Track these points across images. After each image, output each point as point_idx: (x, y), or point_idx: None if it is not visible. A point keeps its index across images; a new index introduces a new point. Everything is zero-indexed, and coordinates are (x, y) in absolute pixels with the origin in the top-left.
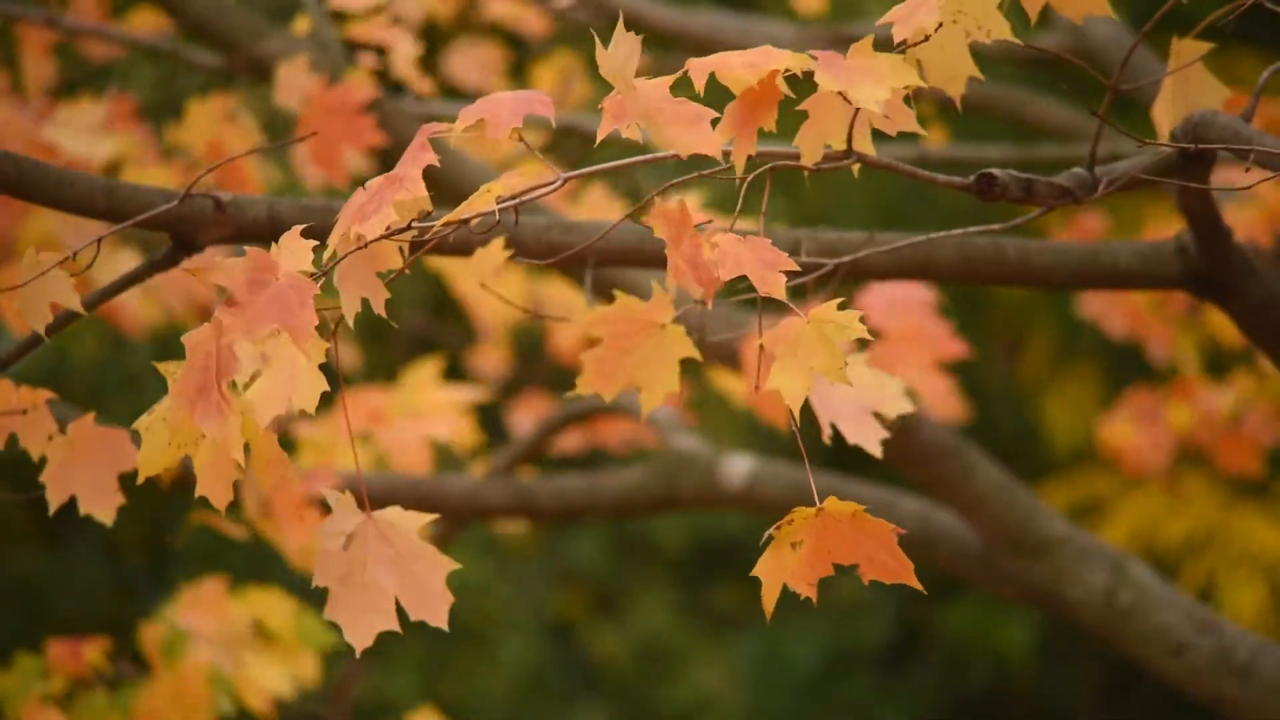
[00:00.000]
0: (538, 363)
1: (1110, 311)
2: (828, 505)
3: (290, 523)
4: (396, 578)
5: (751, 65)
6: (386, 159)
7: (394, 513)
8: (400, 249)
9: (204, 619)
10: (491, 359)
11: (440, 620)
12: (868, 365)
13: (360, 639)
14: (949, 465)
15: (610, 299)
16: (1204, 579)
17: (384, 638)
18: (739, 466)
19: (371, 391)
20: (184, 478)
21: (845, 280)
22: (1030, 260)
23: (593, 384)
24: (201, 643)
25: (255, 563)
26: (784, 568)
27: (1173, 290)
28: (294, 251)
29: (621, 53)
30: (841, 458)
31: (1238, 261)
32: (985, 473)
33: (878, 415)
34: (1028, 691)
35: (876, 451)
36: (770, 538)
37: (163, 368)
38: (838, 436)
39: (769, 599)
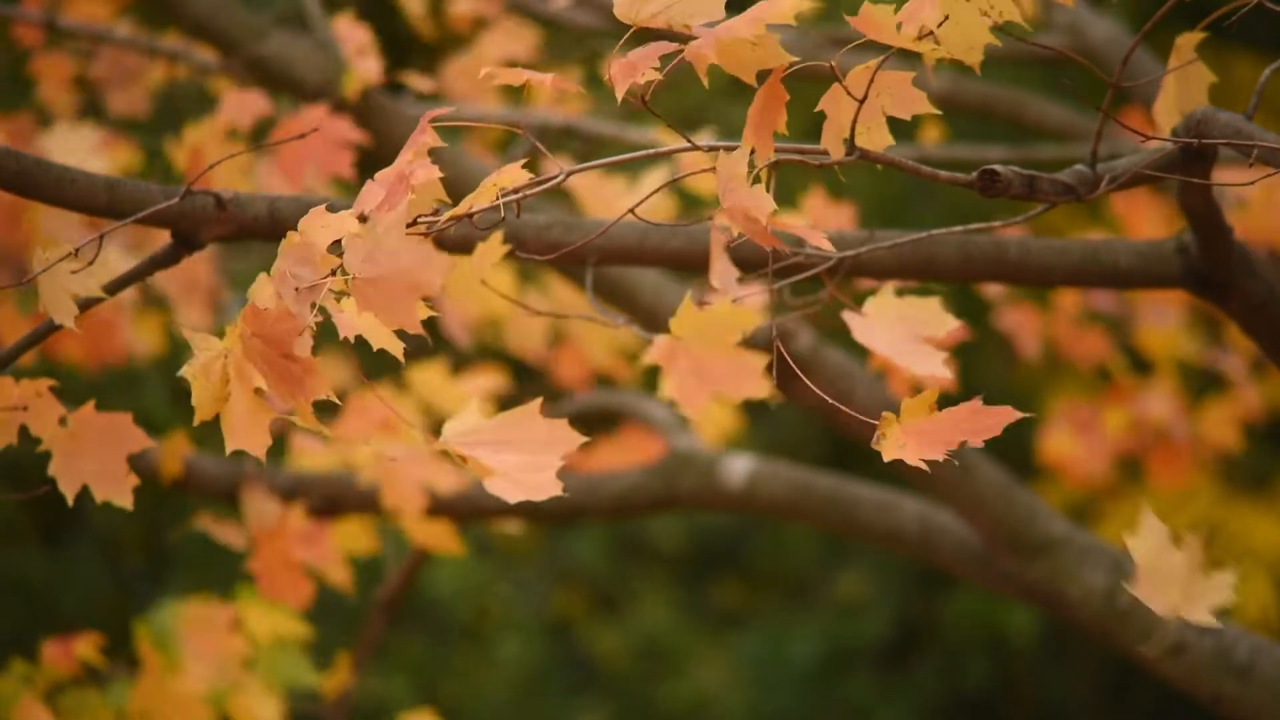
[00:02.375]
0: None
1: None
2: (905, 415)
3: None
4: (515, 453)
5: (754, 20)
6: (376, 161)
7: (455, 424)
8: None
9: (200, 638)
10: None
11: (576, 440)
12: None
13: (549, 489)
14: (949, 465)
15: (611, 299)
16: None
17: (386, 638)
18: (739, 466)
19: (378, 399)
20: (184, 478)
21: (846, 278)
22: (1030, 259)
23: (691, 406)
24: (196, 662)
25: None
26: (903, 449)
27: (1173, 289)
28: (320, 226)
29: None
30: (842, 458)
31: (1238, 260)
32: (985, 473)
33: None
34: (1028, 689)
35: (945, 373)
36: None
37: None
38: (837, 435)
39: (910, 456)
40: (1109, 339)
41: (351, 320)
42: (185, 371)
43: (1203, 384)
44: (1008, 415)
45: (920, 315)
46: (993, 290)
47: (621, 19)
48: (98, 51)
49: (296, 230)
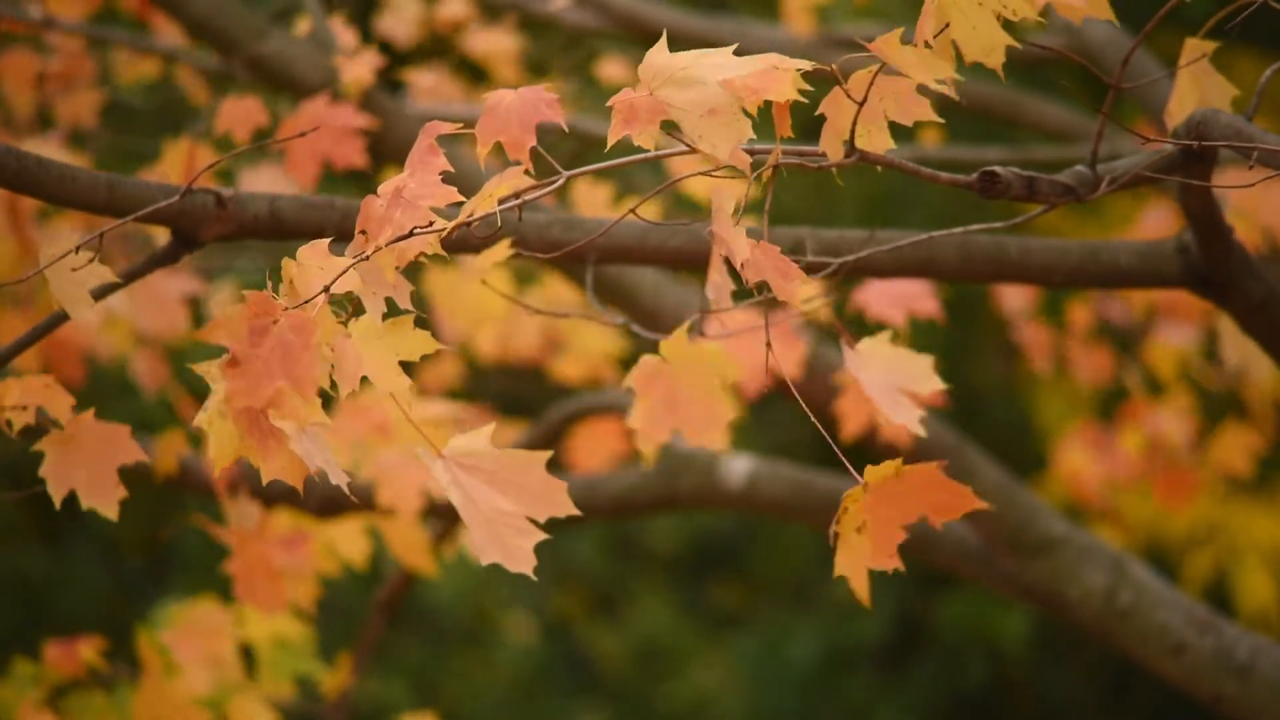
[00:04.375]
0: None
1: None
2: (869, 478)
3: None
4: (505, 494)
5: (752, 90)
6: (377, 159)
7: (462, 441)
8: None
9: (198, 641)
10: (455, 371)
11: (568, 508)
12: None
13: (523, 563)
14: (948, 465)
15: (611, 298)
16: (1208, 572)
17: (384, 641)
18: (739, 466)
19: (367, 401)
20: (179, 476)
21: (846, 278)
22: (1031, 259)
23: (650, 439)
24: (193, 666)
25: None
26: (860, 553)
27: (1173, 289)
28: (318, 268)
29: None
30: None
31: (1238, 260)
32: (985, 472)
33: (910, 394)
34: (1027, 689)
35: (919, 430)
36: (836, 535)
37: (199, 369)
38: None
39: (859, 588)
40: (1119, 356)
41: (358, 359)
42: (199, 421)
43: (1218, 406)
44: (969, 500)
45: (910, 369)
46: (1009, 306)
47: (642, 80)
48: (58, 49)
49: (297, 231)
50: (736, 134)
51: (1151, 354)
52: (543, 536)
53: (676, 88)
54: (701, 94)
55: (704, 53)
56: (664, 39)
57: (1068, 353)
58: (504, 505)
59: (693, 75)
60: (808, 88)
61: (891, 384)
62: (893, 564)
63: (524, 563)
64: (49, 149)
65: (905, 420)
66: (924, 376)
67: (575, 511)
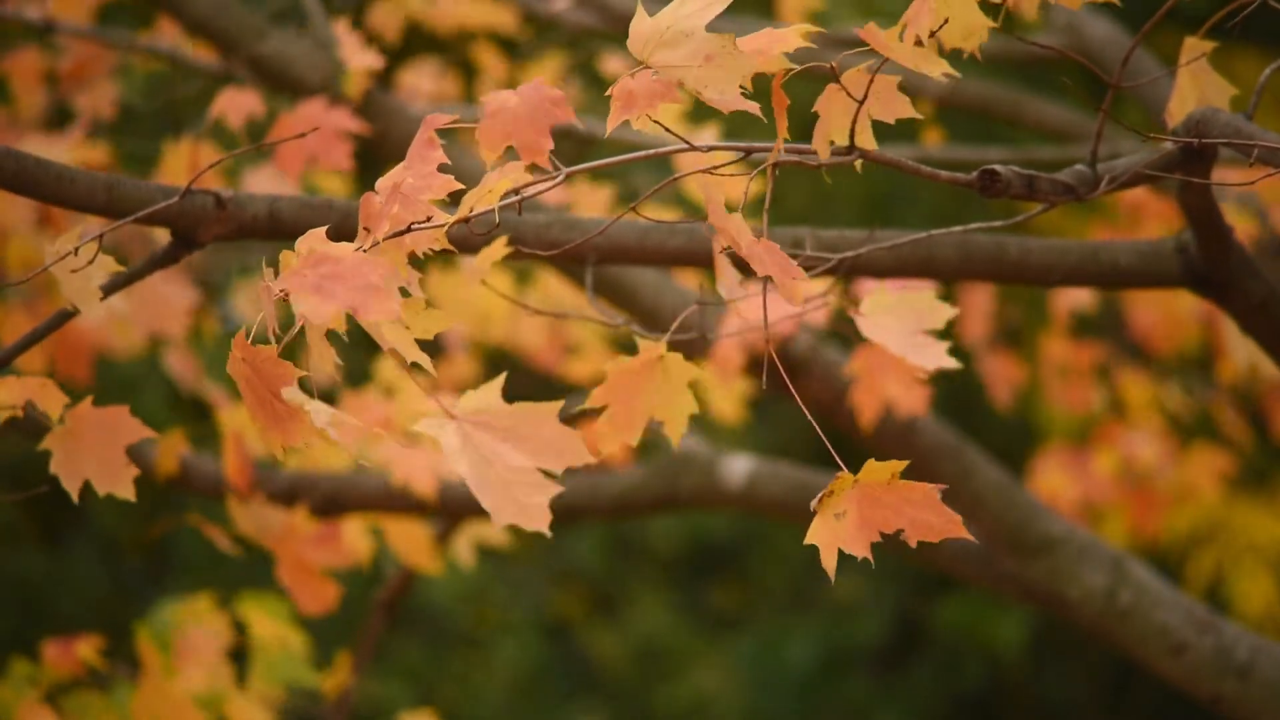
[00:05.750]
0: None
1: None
2: (864, 473)
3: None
4: (519, 448)
5: (759, 52)
6: (377, 158)
7: (473, 398)
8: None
9: (196, 640)
10: (461, 370)
11: (585, 457)
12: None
13: (538, 520)
14: (948, 465)
15: (611, 298)
16: (1210, 571)
17: (383, 642)
18: (739, 466)
19: (369, 399)
20: (180, 477)
21: (846, 277)
22: (1030, 258)
23: (613, 439)
24: (192, 662)
25: (253, 567)
26: (836, 534)
27: (1172, 289)
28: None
29: (648, 24)
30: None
31: (1238, 260)
32: (985, 473)
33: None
34: (1026, 689)
35: (950, 363)
36: (814, 510)
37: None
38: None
39: (828, 562)
40: (1096, 385)
41: (382, 334)
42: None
43: (1190, 431)
44: (955, 527)
45: (918, 309)
46: (969, 335)
47: (633, 53)
48: (67, 48)
49: (296, 232)
50: (738, 73)
51: (1124, 383)
52: (557, 489)
53: (669, 48)
54: (693, 44)
55: (678, 4)
56: (639, 8)
57: (1044, 383)
58: (518, 461)
59: (680, 30)
60: (811, 46)
61: (907, 330)
62: (864, 554)
63: (539, 520)
64: (63, 144)
65: (935, 360)
66: (935, 310)
67: (591, 459)
